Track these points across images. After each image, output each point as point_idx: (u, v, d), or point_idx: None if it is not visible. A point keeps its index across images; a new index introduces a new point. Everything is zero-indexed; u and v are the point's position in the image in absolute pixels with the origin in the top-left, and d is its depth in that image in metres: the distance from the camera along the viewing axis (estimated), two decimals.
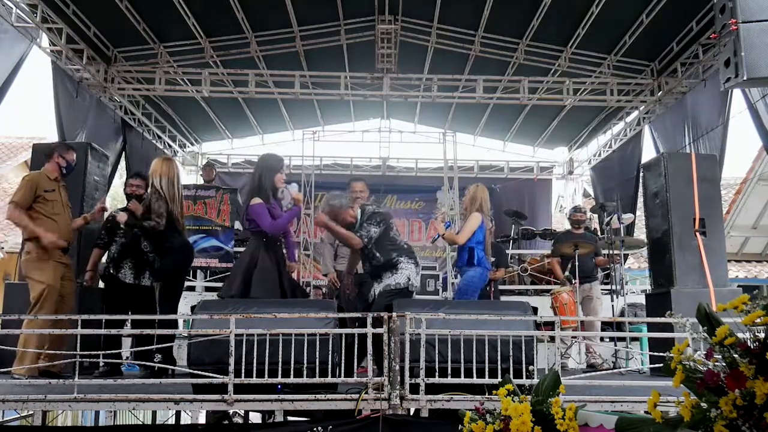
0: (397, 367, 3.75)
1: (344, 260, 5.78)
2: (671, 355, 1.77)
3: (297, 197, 5.21)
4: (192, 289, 8.90)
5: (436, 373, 3.79)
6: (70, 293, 5.05)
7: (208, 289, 9.05)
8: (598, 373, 5.29)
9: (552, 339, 4.04)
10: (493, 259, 6.83)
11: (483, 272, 5.40)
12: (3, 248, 10.83)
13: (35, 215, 4.85)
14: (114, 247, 5.51)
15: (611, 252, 6.70)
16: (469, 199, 5.66)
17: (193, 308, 4.93)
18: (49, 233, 4.75)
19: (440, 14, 8.24)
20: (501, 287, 8.07)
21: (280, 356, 3.76)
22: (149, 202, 5.12)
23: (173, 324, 5.22)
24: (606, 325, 7.18)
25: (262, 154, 5.37)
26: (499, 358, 3.80)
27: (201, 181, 10.21)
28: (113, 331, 4.33)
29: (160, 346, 4.66)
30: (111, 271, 5.48)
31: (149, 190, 5.22)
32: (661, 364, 1.88)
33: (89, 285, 5.68)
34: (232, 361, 3.72)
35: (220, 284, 8.97)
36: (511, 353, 3.84)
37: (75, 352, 3.86)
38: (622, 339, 6.44)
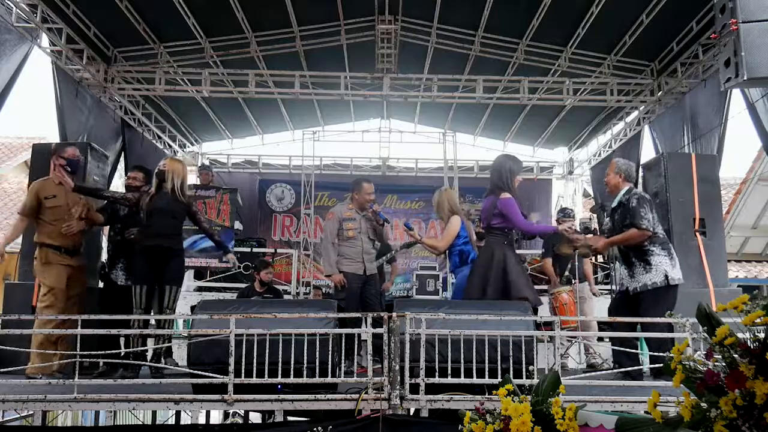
0: (397, 367, 3.75)
1: (349, 261, 5.66)
2: (671, 355, 1.77)
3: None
4: (201, 289, 8.94)
5: (436, 373, 3.79)
6: (78, 294, 5.08)
7: (208, 289, 9.05)
8: (598, 373, 5.29)
9: (552, 339, 4.04)
10: None
11: None
12: None
13: (40, 221, 4.97)
14: (109, 246, 5.51)
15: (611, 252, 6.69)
16: (437, 208, 5.54)
17: (193, 308, 4.93)
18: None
19: (440, 14, 8.23)
20: None
21: (280, 356, 3.76)
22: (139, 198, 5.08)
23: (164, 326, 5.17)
24: (605, 325, 7.17)
25: (502, 155, 5.33)
26: (499, 358, 3.80)
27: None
28: (113, 332, 4.34)
29: (148, 347, 4.67)
30: (105, 270, 5.49)
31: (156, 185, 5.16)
32: (661, 364, 1.88)
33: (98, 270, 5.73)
34: (232, 361, 3.72)
35: (220, 284, 9.01)
36: (511, 353, 3.85)
37: (75, 352, 3.86)
38: None
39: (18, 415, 5.42)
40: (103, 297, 5.57)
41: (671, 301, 4.71)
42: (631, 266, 4.82)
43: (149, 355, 5.10)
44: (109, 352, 4.38)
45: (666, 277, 4.66)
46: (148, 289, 4.91)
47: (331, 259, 5.69)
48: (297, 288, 9.48)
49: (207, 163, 11.78)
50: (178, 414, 5.58)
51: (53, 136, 8.12)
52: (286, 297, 8.84)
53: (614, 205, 5.00)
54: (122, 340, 5.14)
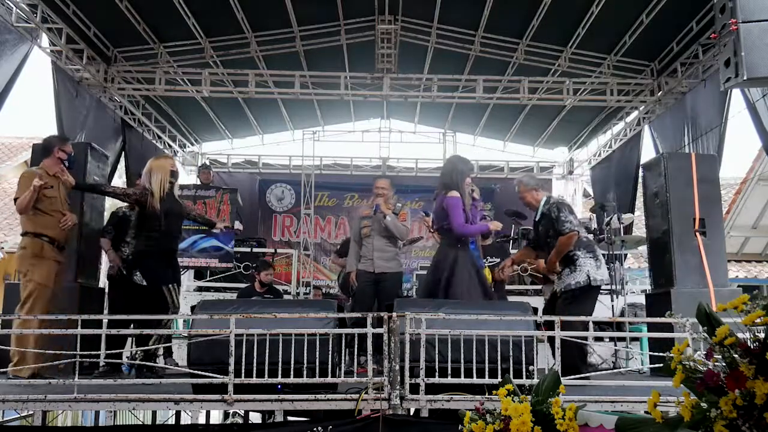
0: (397, 367, 3.75)
1: (363, 259, 5.81)
2: (671, 355, 1.76)
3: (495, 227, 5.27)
4: (201, 289, 8.95)
5: (436, 373, 3.79)
6: (60, 292, 4.97)
7: (208, 289, 9.05)
8: (598, 373, 5.29)
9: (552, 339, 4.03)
10: (497, 260, 6.84)
11: None
12: (3, 248, 10.82)
13: (35, 211, 4.75)
14: (127, 249, 5.50)
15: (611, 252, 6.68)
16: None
17: (193, 308, 4.93)
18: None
19: (440, 14, 8.23)
20: None
21: (280, 356, 3.76)
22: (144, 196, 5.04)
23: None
24: (606, 325, 7.18)
25: (454, 156, 5.44)
26: (499, 358, 3.80)
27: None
28: (122, 331, 4.35)
29: (147, 347, 4.69)
30: (123, 273, 5.47)
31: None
32: (661, 364, 1.87)
33: (114, 273, 5.66)
34: (232, 361, 3.72)
35: (220, 284, 9.02)
36: (511, 353, 3.85)
37: (75, 352, 3.85)
38: (622, 339, 6.43)
39: (18, 415, 5.41)
40: (119, 297, 5.60)
41: (588, 302, 4.82)
42: (561, 271, 4.92)
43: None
44: (108, 351, 4.37)
45: (588, 277, 4.74)
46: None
47: (350, 258, 5.97)
48: (297, 288, 9.48)
49: (207, 163, 11.77)
50: (178, 414, 5.58)
51: None
52: (286, 297, 8.85)
53: (537, 217, 5.09)
54: (129, 340, 5.17)
